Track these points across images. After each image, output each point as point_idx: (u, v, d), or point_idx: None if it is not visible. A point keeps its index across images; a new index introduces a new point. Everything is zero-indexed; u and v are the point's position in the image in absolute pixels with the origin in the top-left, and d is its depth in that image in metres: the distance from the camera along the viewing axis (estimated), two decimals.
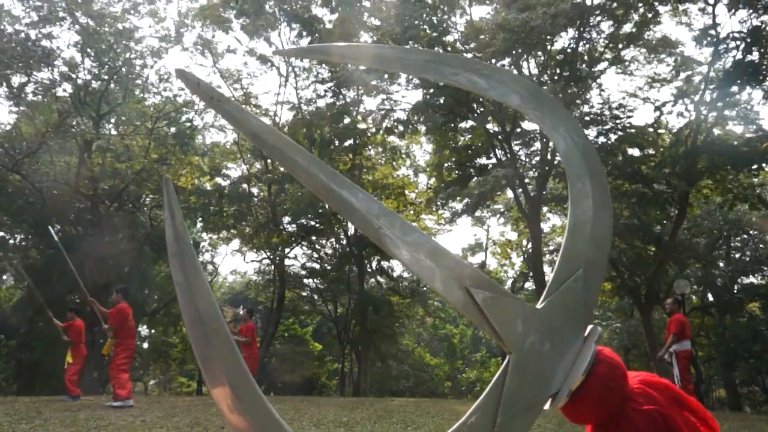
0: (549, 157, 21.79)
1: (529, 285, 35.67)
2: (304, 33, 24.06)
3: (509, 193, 25.85)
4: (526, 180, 22.49)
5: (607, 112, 21.31)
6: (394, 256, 0.97)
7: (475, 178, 22.82)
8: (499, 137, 22.33)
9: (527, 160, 23.67)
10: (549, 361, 0.94)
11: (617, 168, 21.05)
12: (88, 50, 21.94)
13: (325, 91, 24.68)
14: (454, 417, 9.56)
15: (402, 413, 9.42)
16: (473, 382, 38.46)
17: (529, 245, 22.51)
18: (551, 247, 28.45)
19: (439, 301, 39.22)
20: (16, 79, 21.05)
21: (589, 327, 0.98)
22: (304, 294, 35.33)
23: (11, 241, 31.58)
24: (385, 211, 0.99)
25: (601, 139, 21.67)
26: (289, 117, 26.03)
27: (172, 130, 24.14)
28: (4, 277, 34.32)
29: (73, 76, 21.41)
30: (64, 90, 22.05)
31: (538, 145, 22.92)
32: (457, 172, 24.05)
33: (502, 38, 18.48)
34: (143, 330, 34.50)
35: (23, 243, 31.59)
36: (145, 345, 35.22)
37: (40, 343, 28.35)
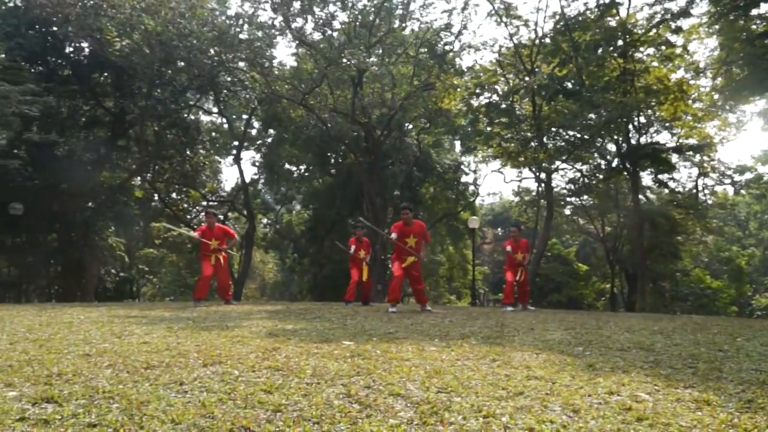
0: None
1: None
2: None
3: None
4: None
5: None
6: None
7: None
8: None
9: None
10: None
11: None
12: None
13: None
14: None
15: (719, 327, 8.59)
16: (765, 308, 34.38)
17: None
18: None
19: (720, 219, 35.35)
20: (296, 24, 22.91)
21: None
22: (567, 213, 34.43)
23: (296, 172, 35.42)
24: None
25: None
26: (550, 26, 24.77)
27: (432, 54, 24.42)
28: (294, 202, 38.74)
29: (347, 7, 22.61)
30: (335, 26, 23.43)
31: None
32: (749, 66, 20.84)
33: None
34: None
35: (306, 173, 35.24)
36: None
37: (327, 260, 31.69)
